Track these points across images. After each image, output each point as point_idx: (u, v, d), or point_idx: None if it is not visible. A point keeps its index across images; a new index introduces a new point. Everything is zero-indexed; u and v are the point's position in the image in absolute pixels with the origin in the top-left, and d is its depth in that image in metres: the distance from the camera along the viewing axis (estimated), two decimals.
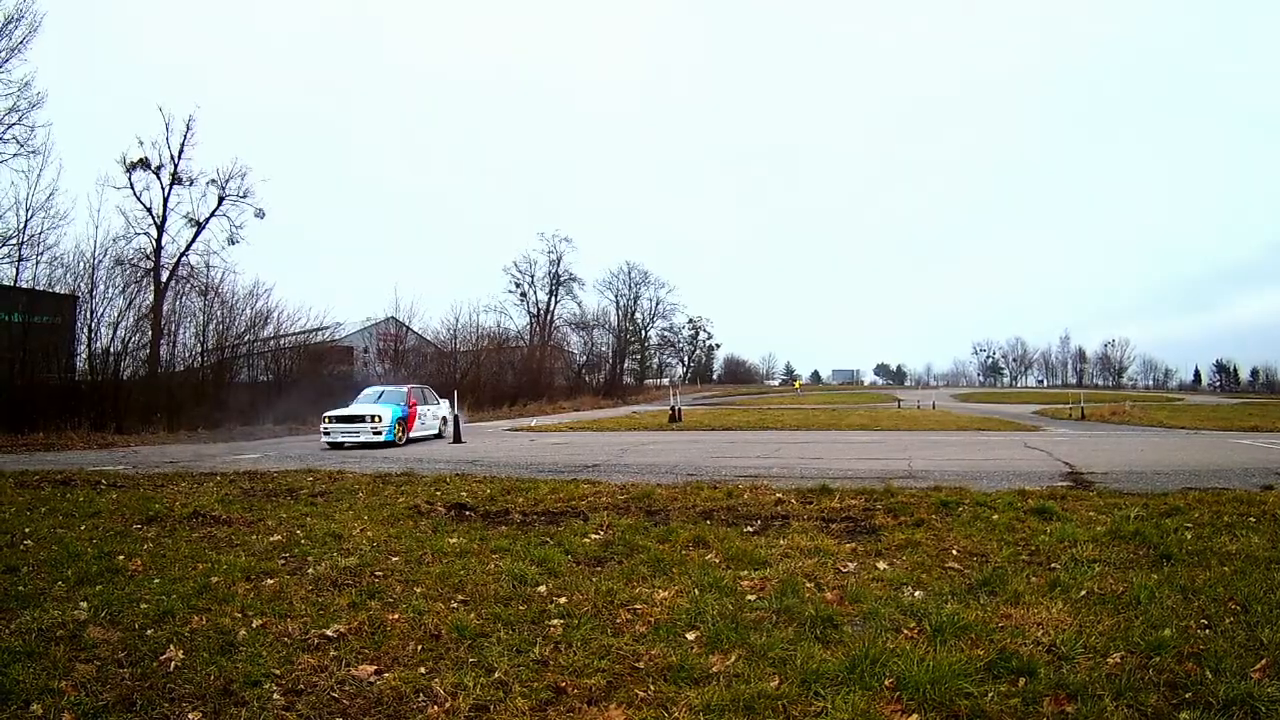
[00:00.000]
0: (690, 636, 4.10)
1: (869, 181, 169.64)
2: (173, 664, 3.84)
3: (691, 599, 4.70)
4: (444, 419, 22.45)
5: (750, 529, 6.81)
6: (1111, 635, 3.86)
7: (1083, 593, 4.59)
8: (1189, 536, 5.95)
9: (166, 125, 32.56)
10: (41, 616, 4.57)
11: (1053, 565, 5.30)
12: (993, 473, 10.85)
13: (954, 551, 5.81)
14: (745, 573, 5.31)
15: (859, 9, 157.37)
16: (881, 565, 5.45)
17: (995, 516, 6.91)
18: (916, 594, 4.72)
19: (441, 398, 23.78)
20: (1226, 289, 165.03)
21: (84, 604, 4.81)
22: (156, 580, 5.39)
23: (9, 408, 24.82)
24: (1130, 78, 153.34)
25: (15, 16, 24.23)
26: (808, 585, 4.93)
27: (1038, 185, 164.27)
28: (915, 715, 3.11)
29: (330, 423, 19.89)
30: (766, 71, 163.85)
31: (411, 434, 20.74)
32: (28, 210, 26.30)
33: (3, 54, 24.27)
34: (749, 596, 4.74)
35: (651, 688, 3.50)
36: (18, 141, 24.95)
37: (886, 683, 3.37)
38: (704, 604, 4.56)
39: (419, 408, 21.42)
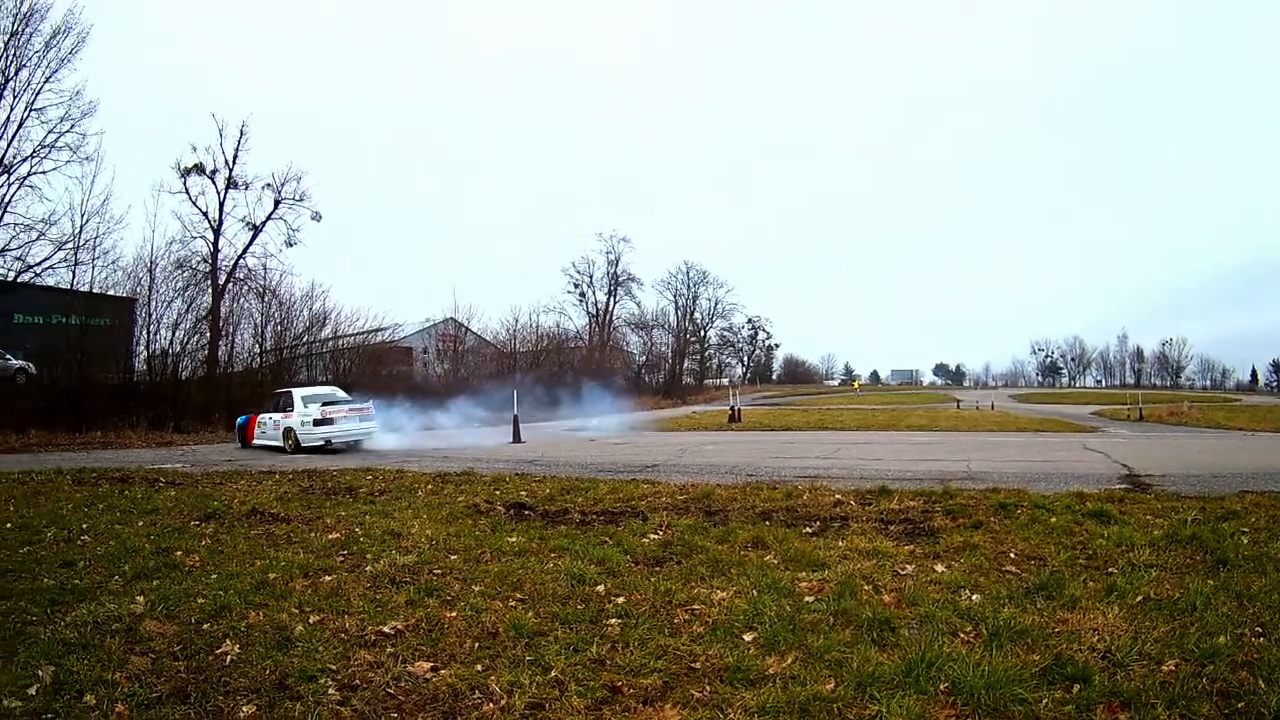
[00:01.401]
0: (747, 638, 4.14)
1: (927, 180, 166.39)
2: (228, 658, 3.98)
3: (749, 600, 4.73)
4: (286, 429, 20.04)
5: (809, 530, 6.81)
6: (1166, 642, 3.84)
7: (1139, 598, 4.55)
8: (1245, 541, 5.84)
9: (220, 131, 33.58)
10: (97, 610, 4.73)
11: (1110, 570, 5.25)
12: (1051, 474, 10.69)
13: (1012, 555, 5.77)
14: (803, 574, 5.33)
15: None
16: (939, 568, 5.44)
17: (1053, 519, 6.83)
18: (974, 597, 4.71)
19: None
20: None
21: (140, 598, 4.97)
22: (214, 576, 5.55)
23: (68, 406, 25.91)
24: (1183, 69, 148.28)
25: (63, 28, 25.31)
26: (865, 587, 4.94)
27: (1095, 182, 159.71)
28: None
29: None
30: (822, 65, 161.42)
31: (254, 442, 20.98)
32: (83, 216, 27.50)
33: (52, 64, 25.35)
34: (807, 598, 4.75)
35: (707, 688, 3.55)
36: (70, 149, 26.05)
37: (942, 687, 3.40)
38: (762, 605, 4.59)
39: (262, 415, 21.24)
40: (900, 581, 5.13)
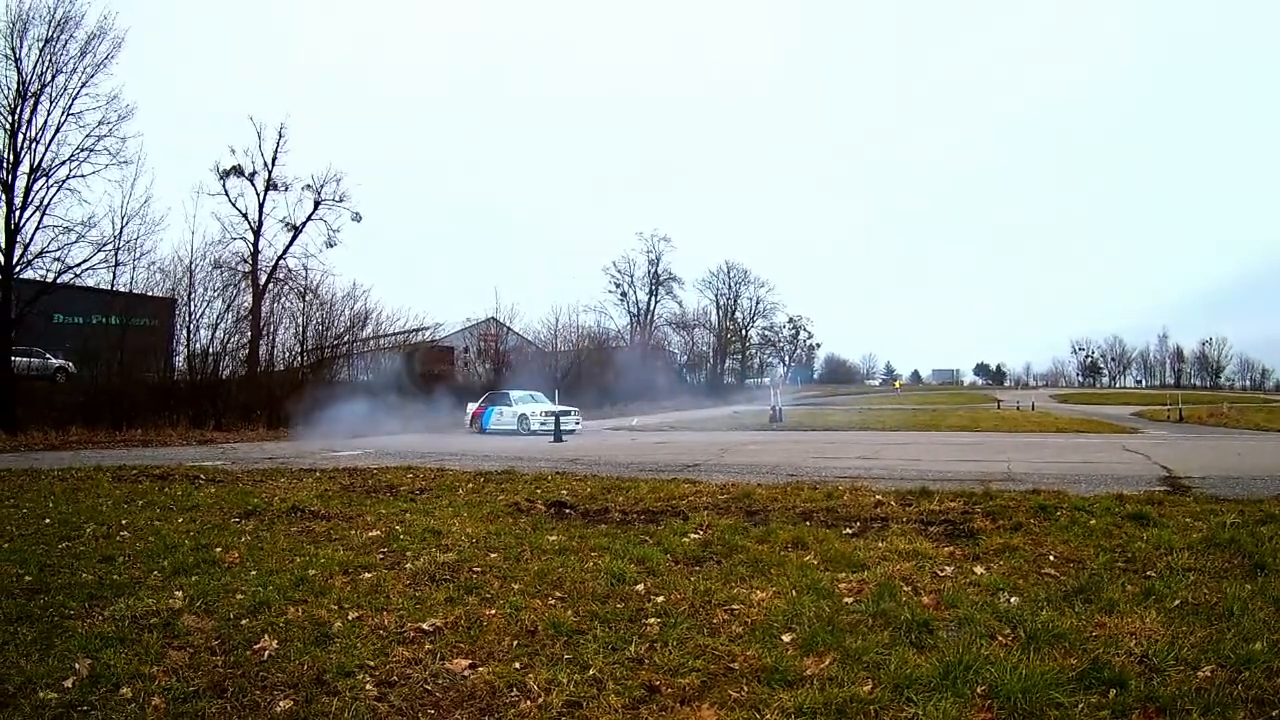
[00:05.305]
0: (786, 638, 4.15)
1: (965, 179, 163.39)
2: (266, 653, 4.01)
3: (789, 600, 4.74)
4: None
5: (849, 531, 6.79)
6: (1203, 647, 3.82)
7: (1177, 602, 4.52)
8: None
9: (258, 134, 33.87)
10: (135, 604, 4.78)
11: (1148, 573, 5.20)
12: (1091, 476, 10.56)
13: (1051, 557, 5.72)
14: (843, 575, 5.33)
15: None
16: (978, 570, 5.43)
17: (1093, 521, 6.77)
18: (1012, 600, 4.70)
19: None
20: None
21: (179, 593, 5.00)
22: (253, 572, 5.58)
23: (108, 405, 26.54)
24: (1231, 53, 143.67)
25: (99, 33, 25.58)
26: (905, 589, 4.94)
27: (1136, 180, 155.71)
28: None
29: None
30: (858, 67, 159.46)
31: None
32: (123, 218, 27.89)
33: (89, 69, 25.61)
34: (846, 599, 4.76)
35: (745, 689, 3.56)
36: (109, 153, 26.22)
37: (978, 690, 3.41)
38: (801, 606, 4.59)
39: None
40: (939, 583, 5.13)
